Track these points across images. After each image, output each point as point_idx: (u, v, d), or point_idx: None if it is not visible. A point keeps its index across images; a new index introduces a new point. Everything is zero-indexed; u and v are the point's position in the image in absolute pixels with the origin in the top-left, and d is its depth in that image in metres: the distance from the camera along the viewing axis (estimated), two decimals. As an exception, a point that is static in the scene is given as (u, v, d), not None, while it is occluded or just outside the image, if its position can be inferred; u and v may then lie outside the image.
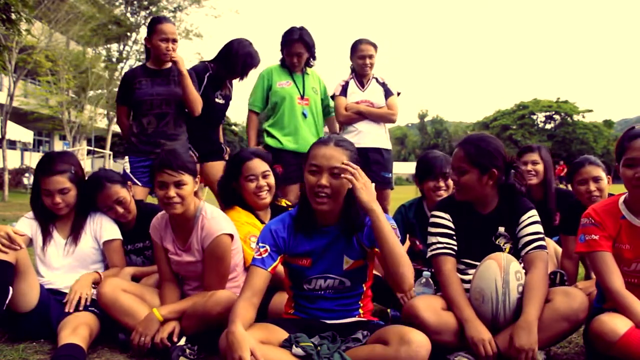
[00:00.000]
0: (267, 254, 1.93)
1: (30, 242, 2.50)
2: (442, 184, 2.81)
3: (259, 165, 2.58)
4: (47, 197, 2.47)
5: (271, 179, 2.60)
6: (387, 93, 3.93)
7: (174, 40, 3.33)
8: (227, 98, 3.75)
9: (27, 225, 2.52)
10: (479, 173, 2.14)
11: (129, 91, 3.34)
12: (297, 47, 3.69)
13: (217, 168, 3.64)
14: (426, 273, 2.33)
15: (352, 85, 3.91)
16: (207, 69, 3.60)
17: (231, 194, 2.63)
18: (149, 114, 3.31)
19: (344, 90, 3.89)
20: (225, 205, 2.66)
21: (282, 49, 3.78)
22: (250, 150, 2.74)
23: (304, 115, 3.74)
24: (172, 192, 2.19)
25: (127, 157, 3.34)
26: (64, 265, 2.50)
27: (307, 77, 3.84)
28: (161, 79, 3.35)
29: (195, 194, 2.33)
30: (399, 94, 3.98)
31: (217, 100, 3.63)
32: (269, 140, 3.75)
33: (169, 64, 3.38)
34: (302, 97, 3.75)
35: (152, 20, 3.41)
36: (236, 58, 3.51)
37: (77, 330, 2.10)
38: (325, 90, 4.00)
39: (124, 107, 3.46)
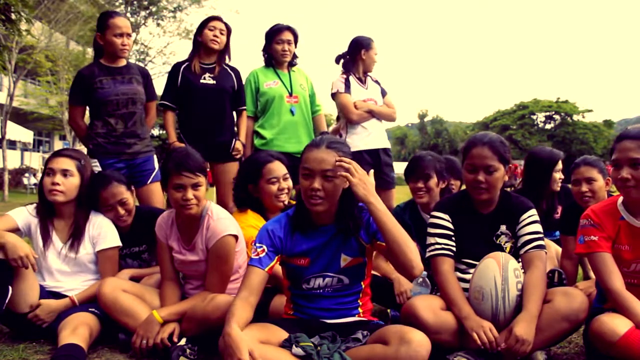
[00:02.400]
0: (264, 253, 1.93)
1: (20, 234, 2.43)
2: (420, 184, 2.77)
3: (279, 168, 2.57)
4: (48, 177, 2.41)
5: (290, 182, 2.60)
6: (383, 92, 3.92)
7: (129, 35, 3.19)
8: (221, 78, 3.53)
9: (25, 219, 2.46)
10: (504, 170, 2.16)
11: (89, 90, 3.16)
12: (287, 34, 3.69)
13: (226, 169, 3.53)
14: (423, 272, 2.32)
15: (354, 83, 3.82)
16: (184, 62, 3.56)
17: (246, 197, 2.61)
18: (115, 114, 3.17)
19: (347, 88, 3.78)
20: (239, 208, 2.63)
21: (267, 44, 3.73)
22: (268, 152, 2.71)
23: (292, 112, 3.68)
24: (190, 194, 2.19)
25: (96, 160, 3.15)
26: (65, 270, 2.47)
27: (294, 74, 3.80)
28: (122, 77, 3.22)
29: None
30: None
31: (202, 81, 3.48)
32: (256, 141, 3.68)
33: (124, 61, 3.28)
34: (290, 95, 3.70)
35: (103, 15, 3.24)
36: (196, 32, 3.55)
37: (77, 330, 2.10)
38: (312, 87, 3.93)
39: (81, 107, 3.28)
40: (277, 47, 3.69)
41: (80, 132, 3.32)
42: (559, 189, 3.21)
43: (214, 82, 3.51)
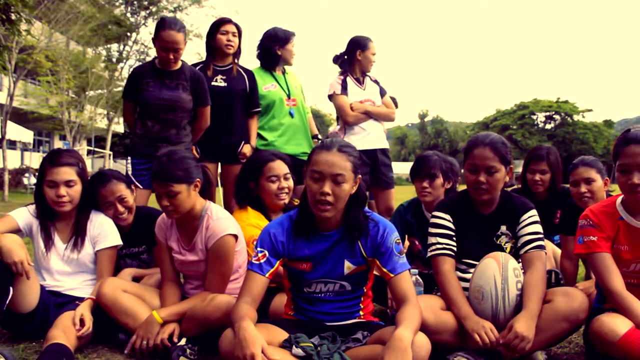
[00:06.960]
0: (264, 259, 1.91)
1: (21, 235, 2.41)
2: (426, 184, 2.75)
3: (281, 167, 2.58)
4: (51, 189, 2.38)
5: (291, 182, 2.61)
6: (382, 91, 3.90)
7: (175, 50, 3.13)
8: (232, 80, 3.52)
9: (26, 220, 2.44)
10: (504, 170, 2.15)
11: (136, 90, 3.23)
12: (294, 41, 3.74)
13: (233, 171, 3.47)
14: (414, 271, 2.30)
15: (351, 84, 3.81)
16: (198, 64, 3.57)
17: (247, 195, 2.61)
18: (154, 117, 3.22)
19: (344, 89, 3.77)
20: (239, 205, 2.64)
21: (280, 47, 3.70)
22: (271, 151, 2.72)
23: (291, 115, 3.70)
24: (165, 201, 2.21)
25: (129, 158, 3.27)
26: (66, 270, 2.46)
27: (288, 76, 3.82)
28: (169, 81, 3.22)
29: (207, 194, 2.35)
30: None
31: (213, 83, 3.49)
32: (257, 143, 3.66)
33: (179, 64, 3.27)
34: (289, 98, 3.71)
35: (157, 23, 3.23)
36: (208, 36, 3.57)
37: (66, 329, 2.08)
38: (302, 90, 3.95)
39: (130, 103, 3.35)
40: (291, 50, 3.74)
41: (130, 127, 3.45)
42: (538, 190, 3.08)
43: (225, 84, 3.53)
